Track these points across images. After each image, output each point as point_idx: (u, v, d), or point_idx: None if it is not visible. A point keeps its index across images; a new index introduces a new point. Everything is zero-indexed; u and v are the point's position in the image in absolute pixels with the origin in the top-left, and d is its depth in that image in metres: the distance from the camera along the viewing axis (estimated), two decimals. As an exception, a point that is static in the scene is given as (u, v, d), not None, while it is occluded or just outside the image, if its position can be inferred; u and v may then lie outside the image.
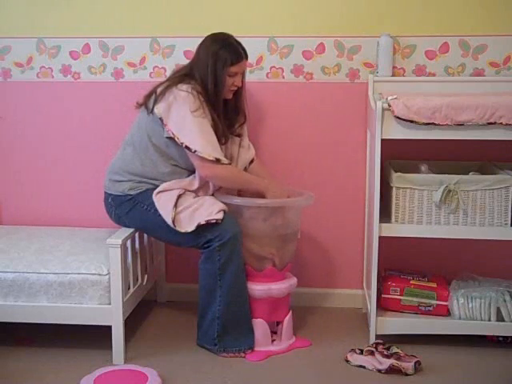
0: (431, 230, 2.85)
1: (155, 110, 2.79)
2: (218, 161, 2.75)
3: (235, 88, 2.88)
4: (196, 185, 2.86)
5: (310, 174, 3.30)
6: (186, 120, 2.74)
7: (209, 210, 2.76)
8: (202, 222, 2.73)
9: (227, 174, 2.83)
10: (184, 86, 2.78)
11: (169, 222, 2.75)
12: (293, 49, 3.21)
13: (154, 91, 2.83)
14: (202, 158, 2.74)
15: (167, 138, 2.79)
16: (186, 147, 2.75)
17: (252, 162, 3.08)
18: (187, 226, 2.75)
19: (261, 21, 3.21)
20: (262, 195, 2.86)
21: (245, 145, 3.06)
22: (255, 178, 2.94)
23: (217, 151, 2.77)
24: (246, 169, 3.06)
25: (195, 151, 2.73)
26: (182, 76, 2.84)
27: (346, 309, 3.35)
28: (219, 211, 2.75)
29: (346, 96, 3.23)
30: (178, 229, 2.75)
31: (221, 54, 2.79)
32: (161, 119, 2.78)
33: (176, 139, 2.76)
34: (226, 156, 2.93)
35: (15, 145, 3.40)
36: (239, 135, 3.02)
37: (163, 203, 2.79)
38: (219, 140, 2.82)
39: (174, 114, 2.76)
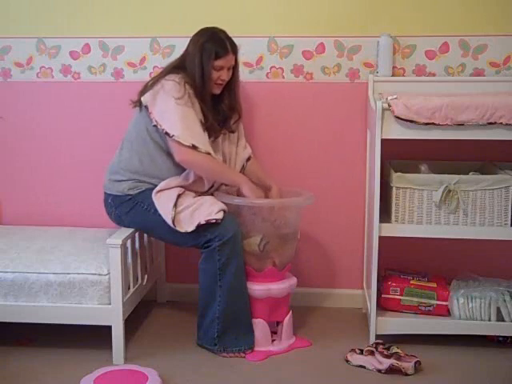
0: (431, 230, 2.85)
1: (142, 99, 2.81)
2: (194, 147, 2.75)
3: (222, 82, 2.87)
4: (191, 178, 2.86)
5: (309, 174, 3.30)
6: (169, 107, 2.76)
7: (209, 209, 2.76)
8: (202, 222, 2.73)
9: (203, 161, 2.80)
10: (172, 76, 2.80)
11: (169, 221, 2.75)
12: (293, 49, 3.21)
13: (145, 85, 2.86)
14: (180, 144, 2.75)
15: (153, 126, 2.80)
16: (166, 133, 2.75)
17: (249, 160, 3.08)
18: (187, 225, 2.75)
19: (261, 21, 3.21)
20: (238, 189, 2.86)
21: (241, 144, 3.07)
22: (232, 170, 2.94)
23: (195, 138, 2.76)
24: (243, 167, 3.07)
25: (173, 136, 2.74)
26: (172, 68, 2.87)
27: (345, 309, 3.35)
28: (219, 211, 2.76)
29: (345, 96, 3.23)
30: (178, 229, 2.75)
31: (206, 46, 2.80)
32: (146, 107, 2.80)
33: (158, 126, 2.77)
34: (223, 155, 2.95)
35: (15, 145, 3.40)
36: (233, 132, 3.02)
37: (163, 203, 2.79)
38: (209, 134, 2.83)
39: (158, 101, 2.78)
